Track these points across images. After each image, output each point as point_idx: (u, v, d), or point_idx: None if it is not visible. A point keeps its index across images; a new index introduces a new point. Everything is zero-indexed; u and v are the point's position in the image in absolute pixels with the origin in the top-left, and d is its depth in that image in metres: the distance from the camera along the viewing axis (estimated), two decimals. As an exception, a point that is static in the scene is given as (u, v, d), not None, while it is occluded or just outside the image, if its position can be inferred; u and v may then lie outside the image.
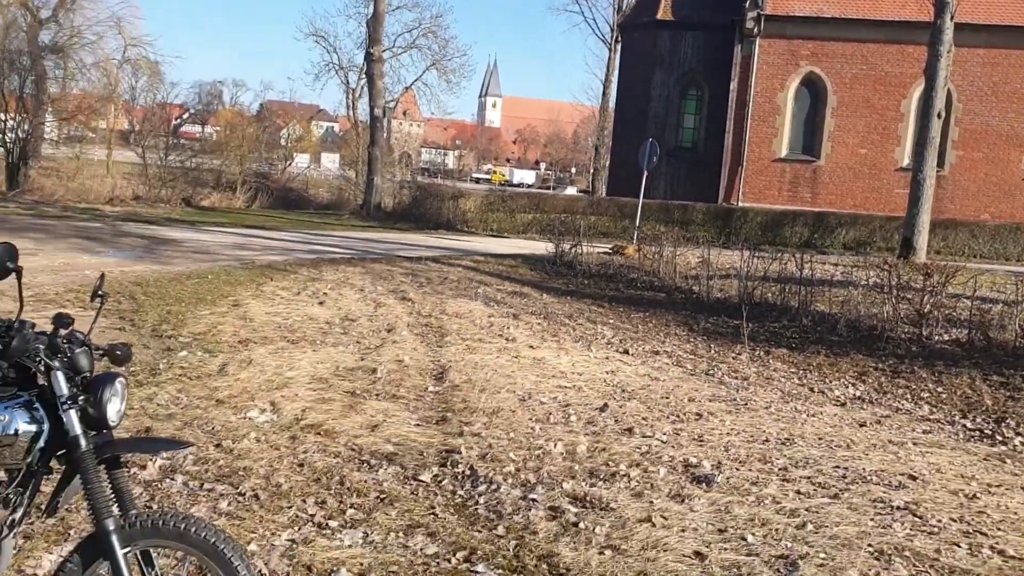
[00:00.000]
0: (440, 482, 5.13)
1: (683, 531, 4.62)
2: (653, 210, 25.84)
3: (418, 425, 6.21)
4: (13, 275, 2.67)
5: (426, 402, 6.86)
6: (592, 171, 52.42)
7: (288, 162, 41.49)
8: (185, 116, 52.96)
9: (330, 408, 6.35)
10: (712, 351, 10.11)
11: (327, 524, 4.39)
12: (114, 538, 2.68)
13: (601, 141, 45.62)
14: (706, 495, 5.19)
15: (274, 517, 4.40)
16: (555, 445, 5.96)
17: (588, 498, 5.02)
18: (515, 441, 6.00)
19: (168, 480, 4.72)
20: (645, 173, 21.95)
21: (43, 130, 30.25)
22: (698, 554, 4.33)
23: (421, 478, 5.14)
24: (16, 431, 2.68)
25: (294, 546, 4.10)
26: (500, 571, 4.02)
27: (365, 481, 5.00)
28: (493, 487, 5.08)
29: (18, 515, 2.78)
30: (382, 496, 4.82)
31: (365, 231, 24.96)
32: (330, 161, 55.83)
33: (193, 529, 2.74)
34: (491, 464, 5.46)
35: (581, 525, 4.61)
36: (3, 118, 26.90)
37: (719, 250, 16.82)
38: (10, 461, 2.71)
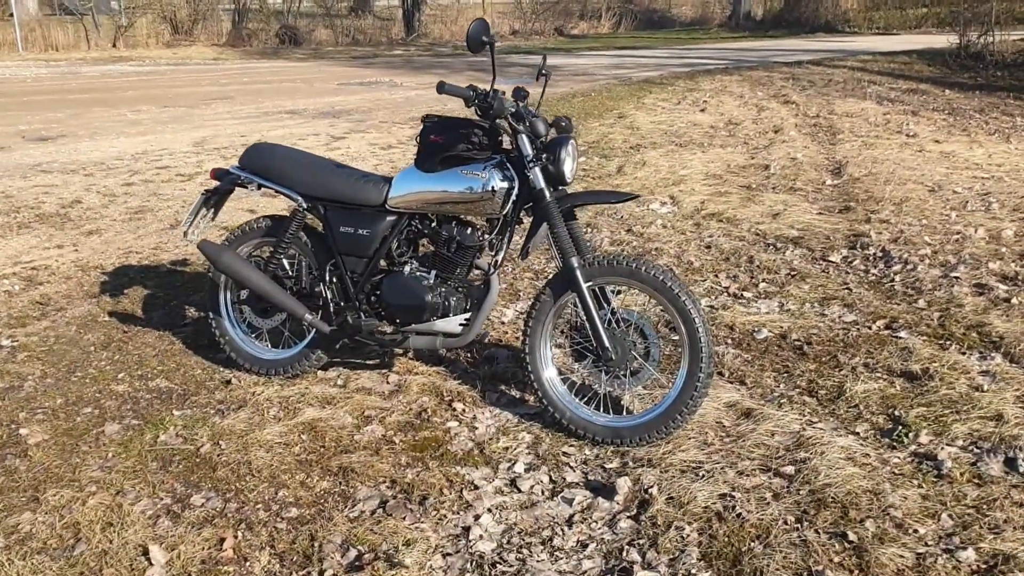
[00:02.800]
0: (850, 263, 5.08)
1: None
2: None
3: (820, 214, 6.12)
4: (487, 47, 3.06)
5: (825, 194, 6.70)
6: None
7: (651, -17, 40.57)
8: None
9: (728, 200, 6.48)
10: None
11: (742, 294, 4.61)
12: (578, 273, 3.11)
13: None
14: None
15: (690, 288, 4.71)
16: (976, 230, 5.56)
17: (1020, 277, 4.67)
18: (929, 227, 5.69)
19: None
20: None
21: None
22: None
23: (830, 259, 5.13)
24: (493, 188, 3.17)
25: (713, 310, 4.39)
26: (925, 338, 3.96)
27: (774, 260, 5.12)
28: (909, 267, 4.93)
29: (500, 257, 3.32)
30: (792, 273, 4.91)
31: (736, 41, 23.97)
32: (690, -22, 53.48)
33: (644, 268, 3.08)
34: (904, 247, 5.27)
35: (1014, 301, 4.34)
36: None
37: None
38: (490, 212, 3.23)
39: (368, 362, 3.77)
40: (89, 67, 17.85)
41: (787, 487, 2.82)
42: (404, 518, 2.70)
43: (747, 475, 2.89)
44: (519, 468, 2.98)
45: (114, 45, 22.19)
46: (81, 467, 2.97)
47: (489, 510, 2.74)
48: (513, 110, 3.11)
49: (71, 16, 24.07)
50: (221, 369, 3.73)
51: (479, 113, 3.11)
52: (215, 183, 3.62)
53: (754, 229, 5.74)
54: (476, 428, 3.26)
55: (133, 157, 8.18)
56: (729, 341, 4.02)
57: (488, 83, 3.11)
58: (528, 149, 3.12)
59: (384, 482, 2.90)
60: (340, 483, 2.89)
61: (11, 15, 21.36)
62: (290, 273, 3.58)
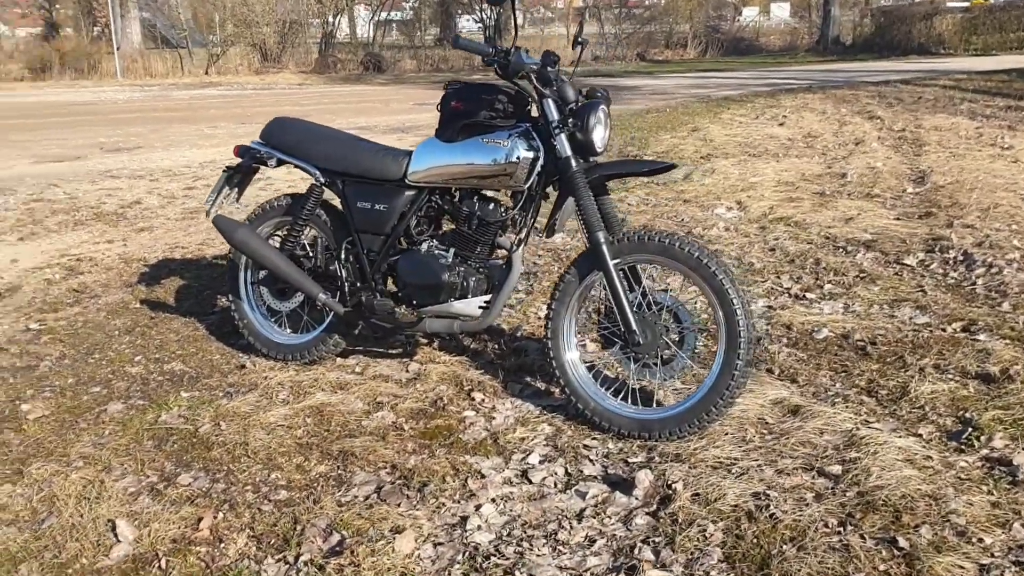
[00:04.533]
0: (927, 266, 4.65)
1: None
2: None
3: (898, 219, 5.68)
4: (508, 2, 2.85)
5: (905, 201, 6.24)
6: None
7: (736, 14, 40.13)
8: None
9: (799, 205, 6.09)
10: None
11: (804, 296, 4.25)
12: (605, 249, 2.84)
13: None
14: None
15: (749, 288, 4.37)
16: (1074, 236, 5.05)
17: (1124, 281, 4.18)
18: (1019, 232, 5.20)
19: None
20: None
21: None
22: None
23: (905, 262, 4.71)
24: (518, 158, 2.94)
25: (771, 310, 4.04)
26: (1008, 341, 3.53)
27: (842, 263, 4.73)
28: (994, 270, 4.47)
29: (523, 234, 3.08)
30: (862, 275, 4.52)
31: (823, 64, 23.28)
32: (779, 9, 52.77)
33: (678, 244, 2.79)
34: (990, 251, 4.81)
35: (1116, 305, 3.86)
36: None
37: None
38: (513, 185, 2.99)
39: (390, 351, 3.57)
40: (180, 91, 18.47)
41: (831, 488, 2.47)
42: (398, 504, 2.46)
43: (787, 474, 2.55)
44: (533, 459, 2.72)
45: (206, 72, 23.00)
46: (74, 443, 2.84)
47: (492, 500, 2.48)
48: (536, 67, 2.88)
49: (171, 48, 25.10)
50: (239, 354, 3.59)
51: (498, 72, 2.89)
52: (238, 160, 3.50)
53: (824, 233, 5.35)
54: (493, 418, 3.01)
55: (200, 165, 8.28)
56: (785, 340, 3.67)
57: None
58: (554, 114, 2.88)
59: (384, 468, 2.67)
60: (338, 467, 2.68)
61: (117, 48, 22.37)
62: (309, 253, 3.42)
